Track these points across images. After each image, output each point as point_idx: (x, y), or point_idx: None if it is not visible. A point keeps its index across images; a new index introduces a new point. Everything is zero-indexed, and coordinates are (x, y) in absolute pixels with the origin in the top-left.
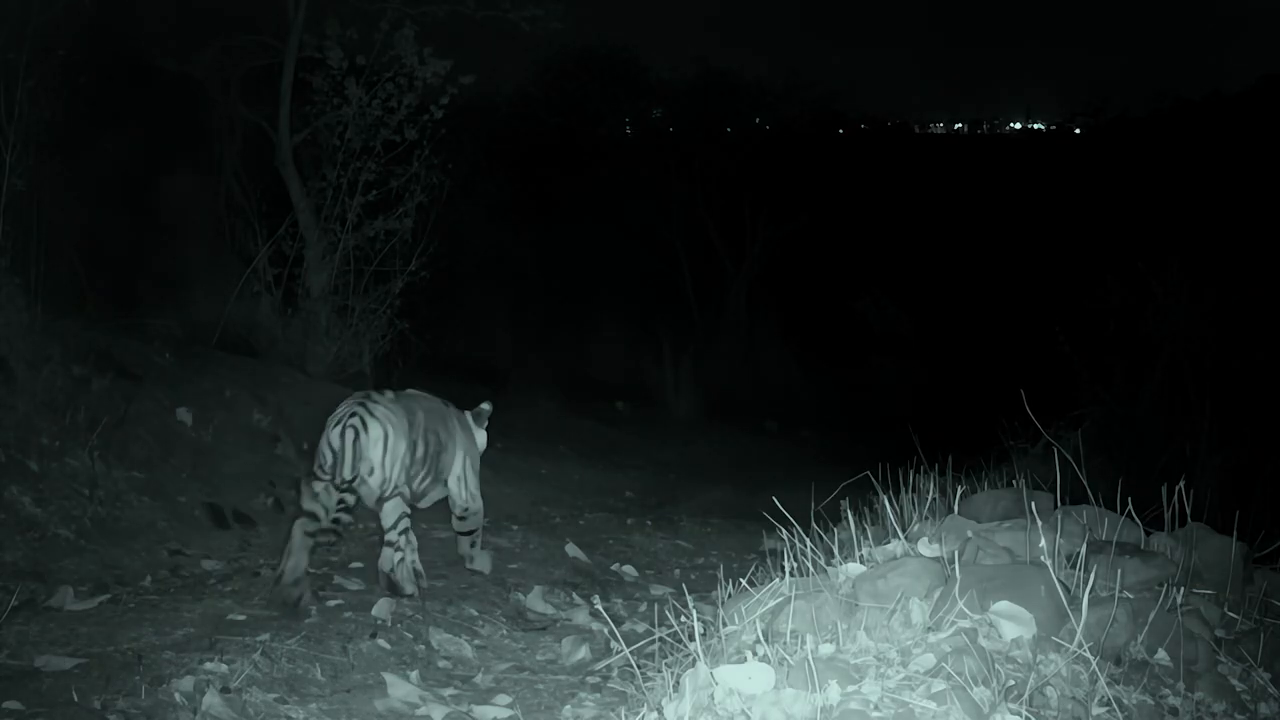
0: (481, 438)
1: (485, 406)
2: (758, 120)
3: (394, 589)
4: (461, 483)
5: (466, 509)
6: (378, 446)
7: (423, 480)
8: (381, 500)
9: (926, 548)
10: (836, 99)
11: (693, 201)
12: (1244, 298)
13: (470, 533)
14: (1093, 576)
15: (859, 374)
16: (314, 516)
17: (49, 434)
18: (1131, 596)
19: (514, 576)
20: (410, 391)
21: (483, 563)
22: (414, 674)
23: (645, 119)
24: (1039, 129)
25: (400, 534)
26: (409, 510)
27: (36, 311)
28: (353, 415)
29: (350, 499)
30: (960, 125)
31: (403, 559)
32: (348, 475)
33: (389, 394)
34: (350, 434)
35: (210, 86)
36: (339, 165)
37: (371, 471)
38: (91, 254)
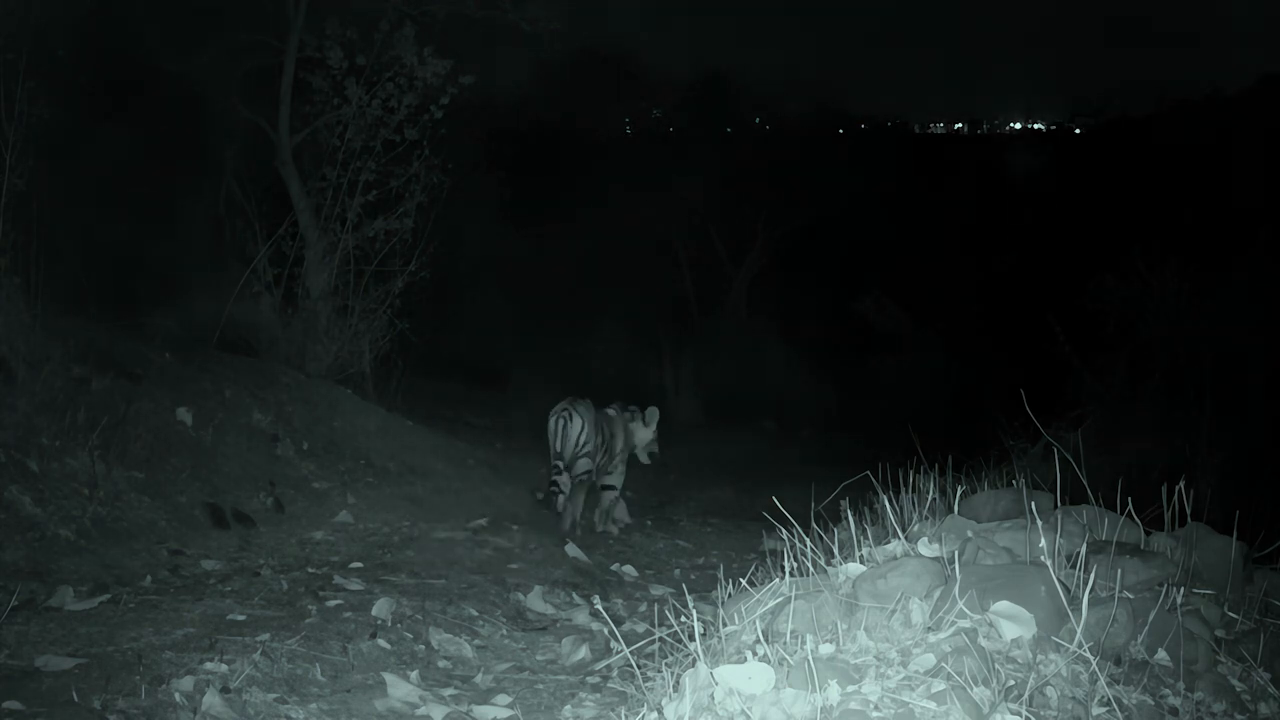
0: (642, 433)
1: (653, 409)
2: (757, 120)
3: (560, 520)
4: (619, 460)
5: (612, 473)
6: (578, 430)
7: (601, 454)
8: (576, 458)
9: (926, 548)
10: (836, 98)
11: (693, 202)
12: (1244, 297)
13: (612, 489)
14: (1093, 576)
15: (859, 374)
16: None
17: (49, 434)
18: (1131, 596)
19: (514, 576)
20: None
21: (622, 513)
22: (414, 674)
23: (645, 119)
24: (1039, 129)
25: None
26: (592, 471)
27: (36, 311)
28: (564, 410)
29: (561, 464)
30: (960, 125)
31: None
32: (559, 449)
33: (585, 400)
34: (561, 422)
35: (210, 86)
36: (339, 165)
37: (571, 444)
38: (91, 254)
